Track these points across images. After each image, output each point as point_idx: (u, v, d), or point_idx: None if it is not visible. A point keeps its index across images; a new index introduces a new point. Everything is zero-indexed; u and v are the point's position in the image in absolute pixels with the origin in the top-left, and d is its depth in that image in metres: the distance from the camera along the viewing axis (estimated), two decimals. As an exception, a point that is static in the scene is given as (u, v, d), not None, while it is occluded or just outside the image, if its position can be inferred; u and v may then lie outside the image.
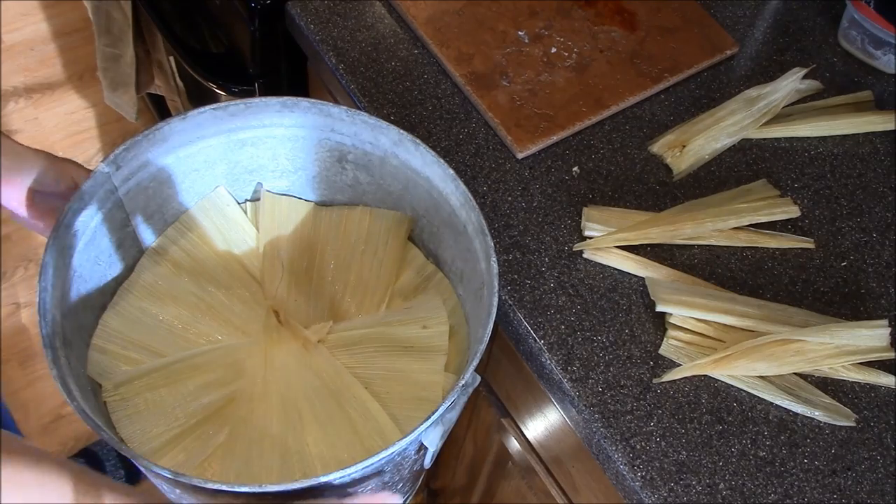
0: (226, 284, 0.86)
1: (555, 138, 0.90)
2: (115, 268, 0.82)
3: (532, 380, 0.84)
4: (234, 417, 0.78)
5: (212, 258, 0.87)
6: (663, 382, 0.77)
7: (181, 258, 0.86)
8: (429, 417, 0.65)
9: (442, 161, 0.78)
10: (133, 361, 0.79)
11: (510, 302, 0.80)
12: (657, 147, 0.91)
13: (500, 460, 1.09)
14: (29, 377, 1.69)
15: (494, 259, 0.73)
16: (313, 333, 0.83)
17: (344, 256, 0.88)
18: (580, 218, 0.85)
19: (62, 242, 0.73)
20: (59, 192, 0.78)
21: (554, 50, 0.96)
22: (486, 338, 0.69)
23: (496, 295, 0.71)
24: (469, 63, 0.94)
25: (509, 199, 0.87)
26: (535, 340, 0.78)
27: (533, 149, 0.89)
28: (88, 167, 0.80)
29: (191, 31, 1.31)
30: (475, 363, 0.68)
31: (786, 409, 0.77)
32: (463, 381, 0.67)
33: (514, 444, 1.01)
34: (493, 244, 0.73)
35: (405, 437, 0.65)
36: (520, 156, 0.89)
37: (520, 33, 0.97)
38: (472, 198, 0.76)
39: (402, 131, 0.79)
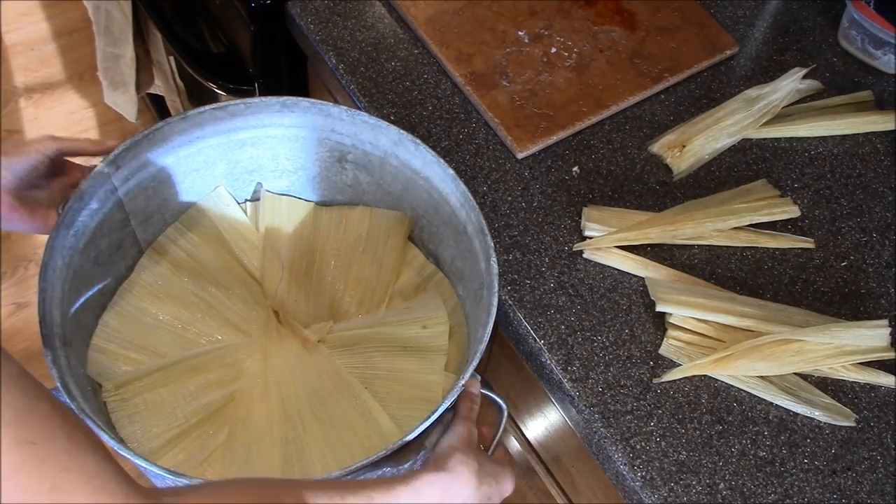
0: (226, 284, 0.86)
1: (555, 138, 0.90)
2: (115, 268, 0.82)
3: (532, 380, 0.84)
4: (234, 417, 0.78)
5: (212, 258, 0.87)
6: (663, 382, 0.77)
7: (181, 258, 0.86)
8: (428, 417, 0.65)
9: (442, 161, 0.78)
10: (133, 361, 0.79)
11: (510, 302, 0.80)
12: (657, 147, 0.91)
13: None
14: (29, 377, 1.68)
15: (494, 259, 0.73)
16: (313, 333, 0.83)
17: (344, 256, 0.88)
18: (580, 218, 0.85)
19: (62, 242, 0.73)
20: (40, 176, 0.76)
21: (554, 50, 0.96)
22: (486, 338, 0.69)
23: (496, 295, 0.71)
24: (469, 63, 0.94)
25: (509, 199, 0.87)
26: (535, 340, 0.78)
27: (533, 149, 0.89)
28: (89, 168, 0.80)
29: (191, 31, 1.31)
30: (475, 363, 0.68)
31: (786, 409, 0.77)
32: (463, 381, 0.67)
33: (514, 444, 1.02)
34: (493, 244, 0.73)
35: (405, 436, 0.65)
36: (520, 156, 0.89)
37: (520, 33, 0.97)
38: (471, 198, 0.76)
39: (401, 131, 0.79)
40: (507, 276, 0.81)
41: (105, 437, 0.63)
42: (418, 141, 0.79)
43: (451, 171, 0.77)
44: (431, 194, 0.82)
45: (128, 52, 1.43)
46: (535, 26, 0.98)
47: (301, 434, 0.77)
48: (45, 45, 2.16)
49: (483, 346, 0.68)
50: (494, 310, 0.70)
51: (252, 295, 0.86)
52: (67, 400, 0.65)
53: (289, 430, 0.78)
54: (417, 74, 0.95)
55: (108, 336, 0.80)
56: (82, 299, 0.77)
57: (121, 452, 0.64)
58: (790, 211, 0.87)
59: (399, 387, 0.80)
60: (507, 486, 0.70)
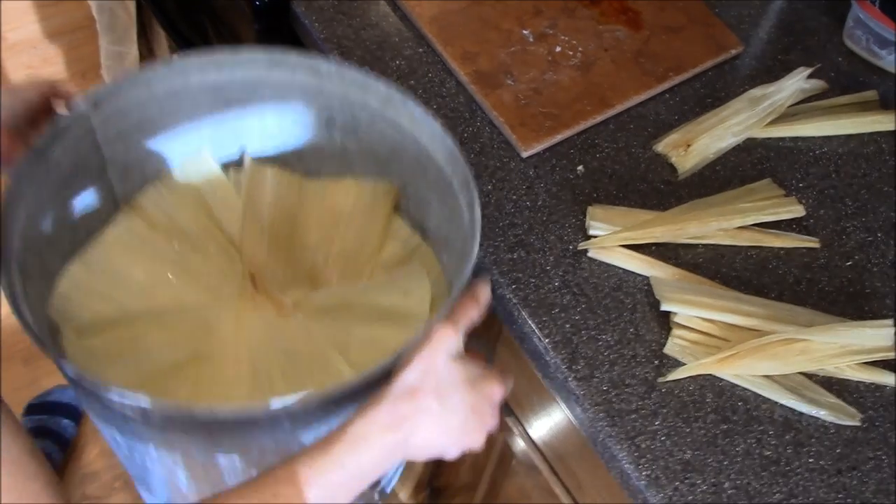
0: (202, 248, 0.84)
1: (559, 137, 0.90)
2: (88, 219, 0.80)
3: (536, 379, 0.84)
4: (200, 376, 0.76)
5: (190, 220, 0.85)
6: (668, 381, 0.77)
7: (158, 217, 0.84)
8: (394, 355, 0.63)
9: (431, 116, 0.76)
10: (96, 312, 0.77)
11: (514, 300, 0.80)
12: (662, 146, 0.91)
13: (504, 459, 1.09)
14: (32, 374, 1.69)
15: (478, 207, 0.71)
16: (289, 298, 0.81)
17: (327, 226, 0.86)
18: (585, 217, 0.85)
19: (31, 168, 0.71)
20: (36, 112, 0.78)
21: (558, 49, 0.96)
22: (463, 283, 0.66)
23: (477, 241, 0.69)
24: (474, 62, 0.94)
25: (514, 197, 0.87)
26: (540, 339, 0.78)
27: (538, 148, 0.89)
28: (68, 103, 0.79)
29: (194, 30, 1.31)
30: (447, 307, 0.66)
31: (791, 408, 0.77)
32: (438, 317, 0.64)
33: (518, 443, 1.02)
34: (477, 193, 0.71)
35: (364, 374, 0.62)
36: (524, 155, 0.89)
37: (524, 32, 0.97)
38: (458, 150, 0.74)
39: (391, 86, 0.77)
40: (511, 274, 0.81)
41: (52, 355, 0.61)
42: (408, 96, 0.77)
43: (440, 126, 0.75)
44: (419, 159, 0.80)
45: (132, 50, 1.43)
46: (540, 25, 0.98)
47: (268, 395, 0.74)
48: (48, 43, 2.16)
49: (456, 293, 0.66)
50: (475, 254, 0.68)
51: (229, 261, 0.84)
52: (16, 314, 0.62)
53: (255, 391, 0.75)
54: (422, 73, 0.95)
55: (74, 284, 0.77)
56: (49, 238, 0.75)
57: (65, 372, 0.62)
58: (795, 210, 0.87)
59: (376, 354, 0.76)
60: (494, 391, 0.62)
